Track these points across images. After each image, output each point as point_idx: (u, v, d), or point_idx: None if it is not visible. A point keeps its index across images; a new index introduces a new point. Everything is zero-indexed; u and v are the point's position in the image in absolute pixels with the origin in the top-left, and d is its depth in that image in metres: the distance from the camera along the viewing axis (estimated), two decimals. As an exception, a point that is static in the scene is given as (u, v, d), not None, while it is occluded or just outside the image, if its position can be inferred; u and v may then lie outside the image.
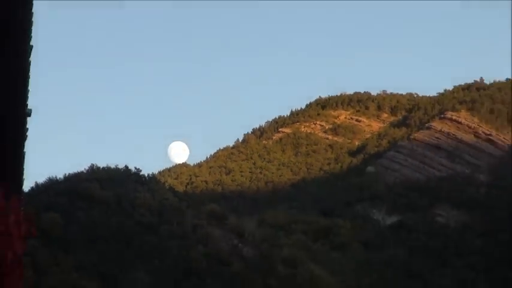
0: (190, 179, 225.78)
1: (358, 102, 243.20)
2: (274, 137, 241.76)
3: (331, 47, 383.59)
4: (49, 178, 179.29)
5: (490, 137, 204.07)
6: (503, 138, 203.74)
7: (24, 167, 17.04)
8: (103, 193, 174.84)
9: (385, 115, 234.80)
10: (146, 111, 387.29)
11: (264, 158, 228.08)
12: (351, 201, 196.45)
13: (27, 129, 15.36)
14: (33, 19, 14.12)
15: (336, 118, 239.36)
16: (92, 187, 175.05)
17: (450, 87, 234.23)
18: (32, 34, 14.40)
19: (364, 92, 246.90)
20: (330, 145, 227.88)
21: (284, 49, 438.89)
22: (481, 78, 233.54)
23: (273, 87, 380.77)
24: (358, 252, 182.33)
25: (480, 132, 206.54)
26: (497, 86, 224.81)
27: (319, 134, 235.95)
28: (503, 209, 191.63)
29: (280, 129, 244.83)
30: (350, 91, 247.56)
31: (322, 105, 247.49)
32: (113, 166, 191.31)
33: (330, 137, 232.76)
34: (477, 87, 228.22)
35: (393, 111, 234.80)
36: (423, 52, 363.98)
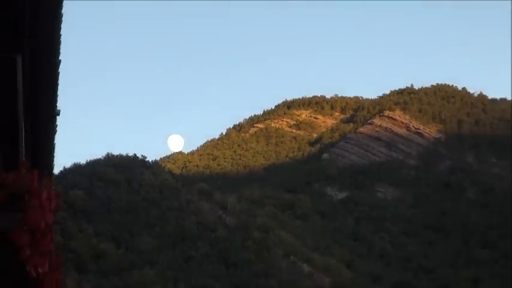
0: (185, 164, 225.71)
1: (316, 103, 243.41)
2: (250, 131, 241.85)
3: (295, 53, 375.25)
4: (74, 163, 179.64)
5: (418, 130, 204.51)
6: (429, 131, 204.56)
7: (54, 155, 16.99)
8: (116, 175, 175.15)
9: (337, 114, 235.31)
10: (151, 110, 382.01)
11: (242, 148, 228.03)
12: (310, 181, 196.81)
13: (57, 125, 15.34)
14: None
15: (299, 116, 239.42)
16: (108, 171, 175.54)
17: (387, 92, 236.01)
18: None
19: (320, 95, 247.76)
20: (293, 137, 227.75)
21: (257, 56, 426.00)
22: (411, 85, 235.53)
23: (248, 91, 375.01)
24: (316, 221, 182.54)
25: (411, 126, 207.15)
26: (424, 91, 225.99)
27: (286, 128, 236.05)
28: (429, 186, 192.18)
29: (255, 125, 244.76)
30: (309, 95, 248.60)
31: (287, 106, 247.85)
32: (124, 154, 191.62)
33: (294, 131, 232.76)
34: (408, 91, 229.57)
35: (343, 110, 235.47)
36: (367, 61, 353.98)
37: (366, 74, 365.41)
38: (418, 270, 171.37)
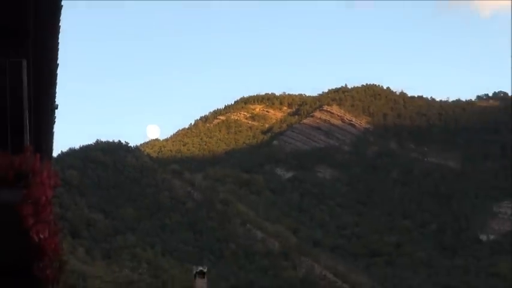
0: (160, 149, 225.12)
1: (268, 99, 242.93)
2: (214, 122, 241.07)
3: (251, 55, 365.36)
4: (69, 148, 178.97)
5: (351, 122, 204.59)
6: (360, 123, 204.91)
7: (53, 141, 16.96)
8: (104, 158, 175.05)
9: (285, 108, 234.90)
10: (131, 102, 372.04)
11: (207, 136, 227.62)
12: (262, 163, 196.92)
13: (55, 117, 15.29)
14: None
15: (253, 110, 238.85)
16: (97, 154, 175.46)
17: (326, 90, 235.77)
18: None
19: (271, 93, 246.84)
20: (249, 127, 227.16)
21: (222, 57, 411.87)
22: (346, 84, 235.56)
23: (212, 88, 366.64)
24: (267, 196, 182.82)
25: (345, 119, 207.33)
26: (356, 90, 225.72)
27: (243, 120, 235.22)
28: (360, 168, 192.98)
29: (217, 117, 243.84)
30: (262, 92, 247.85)
31: (244, 101, 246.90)
32: (110, 140, 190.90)
33: (249, 122, 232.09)
34: (343, 90, 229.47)
35: (290, 105, 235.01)
36: (309, 63, 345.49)
37: (309, 75, 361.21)
38: (351, 236, 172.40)
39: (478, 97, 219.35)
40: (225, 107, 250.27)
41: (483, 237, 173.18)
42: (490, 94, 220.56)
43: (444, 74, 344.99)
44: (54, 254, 12.51)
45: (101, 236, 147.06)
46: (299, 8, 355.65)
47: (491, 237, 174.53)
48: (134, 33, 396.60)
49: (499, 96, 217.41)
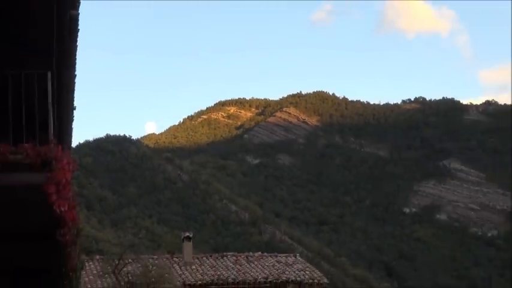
0: (156, 141, 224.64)
1: (240, 103, 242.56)
2: (198, 120, 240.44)
3: (226, 64, 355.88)
4: (85, 140, 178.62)
5: (304, 120, 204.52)
6: (311, 121, 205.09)
7: (72, 135, 16.93)
8: (113, 148, 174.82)
9: (253, 109, 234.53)
10: (133, 100, 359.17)
11: (193, 131, 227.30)
12: (236, 152, 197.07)
13: (74, 116, 15.26)
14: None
15: (229, 111, 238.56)
16: (107, 145, 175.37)
17: (285, 95, 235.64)
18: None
19: (243, 97, 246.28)
20: (225, 124, 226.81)
21: (200, 65, 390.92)
22: (300, 91, 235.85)
23: (196, 92, 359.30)
24: (240, 178, 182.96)
25: (300, 118, 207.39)
26: (308, 95, 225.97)
27: (221, 119, 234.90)
28: (311, 156, 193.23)
29: (201, 116, 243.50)
30: (236, 97, 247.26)
31: (222, 104, 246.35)
32: (117, 134, 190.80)
33: (226, 120, 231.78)
34: (298, 95, 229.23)
35: (257, 107, 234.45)
36: (272, 72, 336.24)
37: (272, 83, 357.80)
38: (303, 209, 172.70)
39: (403, 101, 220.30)
40: (207, 108, 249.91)
41: (406, 210, 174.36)
42: (412, 99, 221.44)
43: (377, 83, 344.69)
44: (72, 223, 12.49)
45: (110, 209, 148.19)
46: (263, 28, 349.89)
47: (413, 210, 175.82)
48: (136, 41, 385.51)
49: (419, 101, 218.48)
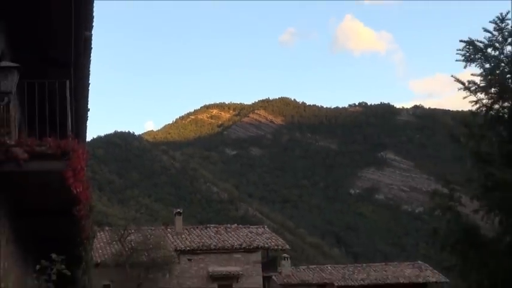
0: (154, 136, 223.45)
1: (221, 106, 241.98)
2: (187, 120, 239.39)
3: (211, 71, 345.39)
4: (97, 135, 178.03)
5: (272, 120, 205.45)
6: (277, 121, 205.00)
7: (87, 130, 16.97)
8: (119, 141, 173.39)
9: (231, 111, 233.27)
10: (136, 104, 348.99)
11: (183, 128, 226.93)
12: (217, 145, 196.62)
13: (88, 116, 15.31)
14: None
15: (212, 112, 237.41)
16: (115, 139, 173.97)
17: (257, 100, 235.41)
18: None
19: (223, 101, 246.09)
20: (209, 123, 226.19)
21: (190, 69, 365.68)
22: (269, 97, 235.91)
23: (185, 96, 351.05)
24: (220, 166, 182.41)
25: (268, 119, 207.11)
26: (275, 100, 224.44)
27: (205, 119, 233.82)
28: (278, 148, 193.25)
29: (189, 117, 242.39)
30: (218, 101, 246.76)
31: (206, 107, 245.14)
32: (124, 130, 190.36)
33: (210, 120, 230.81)
34: (267, 100, 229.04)
35: (234, 109, 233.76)
36: (247, 80, 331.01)
37: (246, 89, 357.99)
38: (271, 190, 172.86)
39: (349, 105, 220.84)
40: (194, 110, 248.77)
41: (352, 191, 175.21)
42: (356, 103, 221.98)
43: (329, 90, 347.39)
44: (86, 201, 12.50)
45: (117, 190, 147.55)
46: (242, 45, 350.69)
47: (357, 191, 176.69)
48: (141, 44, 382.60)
49: (362, 105, 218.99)
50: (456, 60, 7.15)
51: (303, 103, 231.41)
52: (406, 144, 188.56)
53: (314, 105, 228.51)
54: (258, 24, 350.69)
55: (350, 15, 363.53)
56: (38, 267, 7.32)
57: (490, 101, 6.75)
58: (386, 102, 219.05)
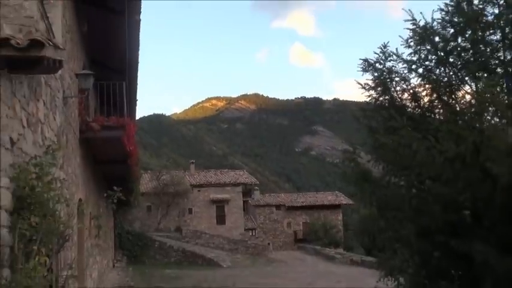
0: (177, 116, 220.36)
1: (217, 98, 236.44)
2: (197, 106, 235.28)
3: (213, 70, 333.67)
4: (142, 115, 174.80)
5: (248, 107, 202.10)
6: (252, 107, 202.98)
7: (136, 113, 16.90)
8: (156, 119, 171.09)
9: (224, 101, 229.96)
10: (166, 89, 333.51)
11: (195, 112, 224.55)
12: (215, 122, 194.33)
13: (137, 103, 15.16)
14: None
15: (212, 102, 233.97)
16: (154, 118, 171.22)
17: (239, 94, 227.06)
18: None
19: (219, 96, 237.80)
20: (210, 109, 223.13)
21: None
22: (247, 93, 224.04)
23: (196, 91, 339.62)
24: (217, 135, 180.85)
25: (246, 106, 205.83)
26: (251, 95, 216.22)
27: (209, 106, 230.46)
28: (253, 126, 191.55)
29: (198, 104, 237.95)
30: (215, 95, 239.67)
31: (209, 98, 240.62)
32: (159, 112, 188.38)
33: (211, 107, 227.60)
34: (246, 95, 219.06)
35: (225, 100, 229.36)
36: (235, 80, 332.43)
37: (233, 87, 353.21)
38: (248, 149, 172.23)
39: (296, 97, 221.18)
40: (201, 100, 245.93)
41: (297, 149, 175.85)
42: (300, 96, 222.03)
43: (284, 87, 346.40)
44: (135, 155, 12.46)
45: (155, 149, 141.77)
46: (234, 58, 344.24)
47: (299, 149, 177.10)
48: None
49: (303, 98, 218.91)
50: (357, 70, 7.25)
51: (267, 96, 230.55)
52: (329, 122, 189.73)
53: (274, 98, 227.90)
54: (241, 45, 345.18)
55: (298, 43, 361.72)
56: (105, 194, 7.34)
57: (377, 95, 6.80)
58: (317, 96, 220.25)
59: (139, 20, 9.76)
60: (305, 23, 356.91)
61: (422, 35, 6.43)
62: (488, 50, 6.16)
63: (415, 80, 6.60)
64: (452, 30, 6.39)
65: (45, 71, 4.76)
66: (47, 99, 5.88)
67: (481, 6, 6.16)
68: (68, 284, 5.36)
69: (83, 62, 10.16)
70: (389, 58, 6.66)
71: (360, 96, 7.59)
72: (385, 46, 6.72)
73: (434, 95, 6.44)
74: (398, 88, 6.62)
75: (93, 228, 9.67)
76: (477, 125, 5.62)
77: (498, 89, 5.82)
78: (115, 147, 10.47)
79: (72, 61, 8.35)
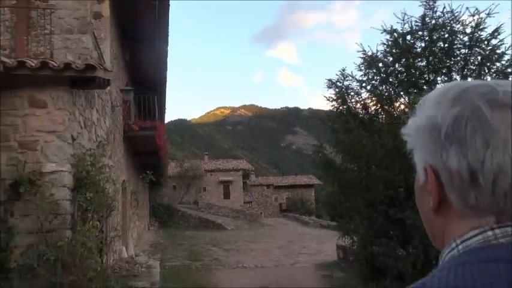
0: (196, 121, 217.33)
1: (224, 107, 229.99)
2: (210, 113, 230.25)
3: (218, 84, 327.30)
4: (169, 120, 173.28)
5: (248, 114, 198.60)
6: (251, 114, 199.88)
7: (165, 118, 16.72)
8: (179, 123, 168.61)
9: (229, 110, 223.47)
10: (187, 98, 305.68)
11: (208, 117, 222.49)
12: (223, 125, 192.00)
13: (166, 111, 15.03)
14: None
15: (220, 110, 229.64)
16: (177, 122, 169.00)
17: (240, 105, 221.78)
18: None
19: (225, 106, 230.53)
20: (219, 115, 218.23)
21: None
22: (245, 104, 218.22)
23: (207, 102, 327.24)
24: (224, 135, 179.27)
25: (245, 114, 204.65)
26: (249, 106, 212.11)
27: (218, 113, 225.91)
28: (249, 128, 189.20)
29: (211, 112, 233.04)
30: (222, 105, 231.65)
31: (218, 108, 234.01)
32: (182, 118, 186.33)
33: (219, 114, 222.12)
34: (244, 105, 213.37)
35: (230, 109, 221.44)
36: (237, 95, 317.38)
37: (236, 99, 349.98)
38: (245, 144, 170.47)
39: (281, 107, 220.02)
40: (212, 109, 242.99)
41: (282, 145, 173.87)
42: (283, 106, 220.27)
43: (272, 99, 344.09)
44: (164, 149, 12.37)
45: (179, 144, 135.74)
46: (237, 77, 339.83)
47: (284, 144, 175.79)
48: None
49: (286, 107, 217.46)
50: (324, 87, 7.25)
51: (261, 106, 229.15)
52: (305, 125, 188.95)
53: (266, 107, 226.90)
54: (243, 68, 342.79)
55: (285, 68, 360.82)
56: (141, 177, 7.35)
57: (338, 105, 6.76)
58: (297, 106, 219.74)
59: (167, 50, 9.85)
60: (289, 52, 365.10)
61: (370, 61, 6.56)
62: (417, 73, 6.28)
63: (365, 94, 6.75)
64: (391, 58, 6.52)
65: (97, 87, 4.88)
66: (99, 107, 5.89)
67: (412, 41, 6.23)
68: (114, 241, 5.46)
69: (126, 81, 10.10)
70: (346, 78, 6.78)
71: (327, 106, 7.62)
72: (343, 70, 6.83)
73: (379, 105, 6.58)
74: (353, 100, 6.76)
75: (133, 201, 9.66)
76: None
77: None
78: (149, 143, 10.41)
79: (118, 80, 8.32)
